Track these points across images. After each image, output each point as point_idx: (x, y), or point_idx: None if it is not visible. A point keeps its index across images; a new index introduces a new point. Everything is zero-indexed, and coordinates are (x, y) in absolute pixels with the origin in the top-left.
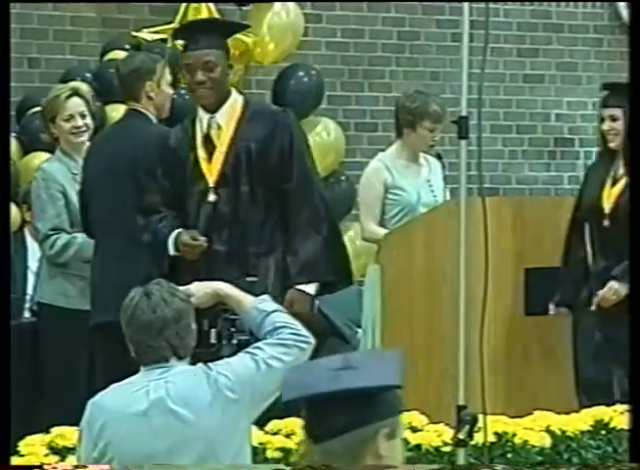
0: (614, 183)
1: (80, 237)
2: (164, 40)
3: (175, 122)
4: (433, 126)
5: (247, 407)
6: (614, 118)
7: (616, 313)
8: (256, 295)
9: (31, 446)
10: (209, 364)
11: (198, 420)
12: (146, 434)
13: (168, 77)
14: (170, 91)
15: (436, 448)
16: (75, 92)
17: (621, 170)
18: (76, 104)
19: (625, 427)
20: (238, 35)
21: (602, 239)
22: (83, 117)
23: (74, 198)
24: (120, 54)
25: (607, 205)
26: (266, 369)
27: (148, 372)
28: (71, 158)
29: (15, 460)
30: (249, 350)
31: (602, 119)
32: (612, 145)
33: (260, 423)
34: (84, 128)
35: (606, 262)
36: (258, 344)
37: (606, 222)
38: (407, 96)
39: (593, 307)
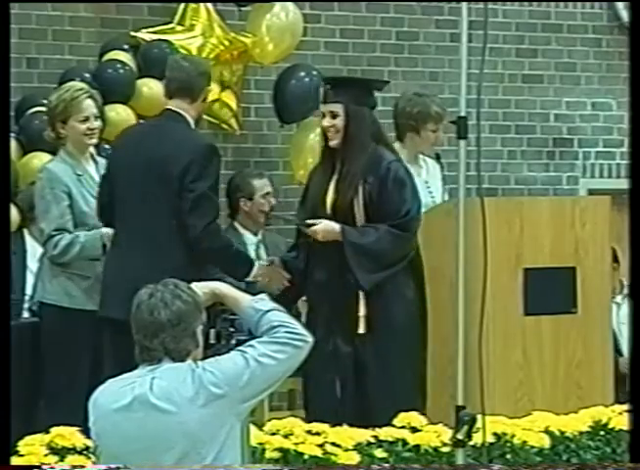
0: (337, 182)
1: (83, 236)
2: (163, 41)
3: None
4: (436, 127)
5: (234, 403)
6: (334, 115)
7: None
8: (254, 294)
9: (31, 446)
10: (198, 362)
11: (178, 413)
12: (128, 428)
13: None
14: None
15: (435, 449)
16: (90, 94)
17: (343, 168)
18: (91, 105)
19: (624, 428)
20: (237, 36)
21: None
22: (96, 118)
23: (79, 198)
24: (119, 54)
25: (329, 204)
26: (256, 366)
27: (141, 368)
28: (76, 159)
29: (14, 460)
30: (241, 347)
31: (323, 116)
32: (332, 143)
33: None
34: (97, 131)
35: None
36: (251, 342)
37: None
38: (406, 100)
39: None
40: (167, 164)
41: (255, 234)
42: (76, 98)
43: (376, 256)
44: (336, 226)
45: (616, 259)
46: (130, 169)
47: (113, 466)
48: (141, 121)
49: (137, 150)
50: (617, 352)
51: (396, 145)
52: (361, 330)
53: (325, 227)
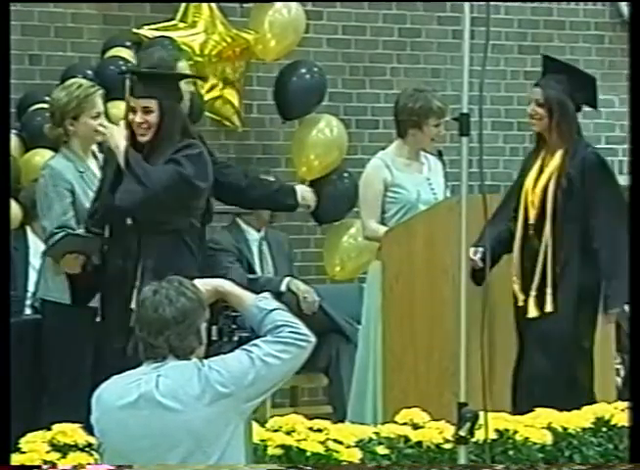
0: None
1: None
2: (166, 37)
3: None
4: (438, 122)
5: (239, 402)
6: (147, 110)
7: None
8: (257, 292)
9: (32, 444)
10: (204, 360)
11: (184, 411)
12: (134, 426)
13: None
14: (189, 88)
15: (438, 446)
16: (101, 91)
17: (149, 163)
18: (101, 102)
19: (627, 424)
20: (239, 32)
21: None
22: (104, 115)
23: (81, 195)
24: (122, 51)
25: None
26: (262, 366)
27: (145, 366)
28: (78, 155)
29: (16, 457)
30: (245, 347)
31: (132, 110)
32: (142, 139)
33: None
34: (104, 127)
35: None
36: (256, 341)
37: (129, 221)
38: (408, 96)
39: None
40: None
41: (259, 231)
42: (90, 95)
43: (141, 184)
44: (121, 145)
45: None
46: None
47: (113, 466)
48: None
49: None
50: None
51: (398, 142)
52: None
53: (116, 133)
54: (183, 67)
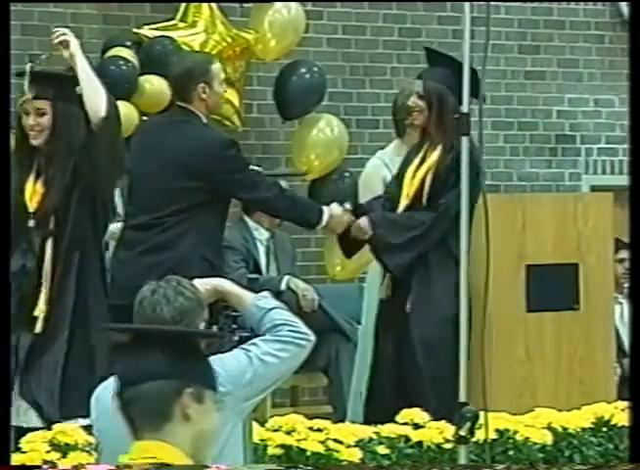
0: (44, 183)
1: None
2: (166, 37)
3: None
4: None
5: (237, 401)
6: (40, 112)
7: None
8: (257, 292)
9: (33, 443)
10: None
11: None
12: None
13: (221, 76)
14: (222, 89)
15: (438, 445)
16: None
17: (49, 170)
18: None
19: (626, 424)
20: (239, 32)
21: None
22: None
23: None
24: (122, 51)
25: (33, 204)
26: (260, 365)
27: None
28: None
29: (16, 457)
30: (244, 346)
31: (26, 112)
32: (35, 142)
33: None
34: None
35: None
36: (254, 340)
37: (31, 222)
38: (405, 96)
39: None
40: (185, 163)
41: (268, 230)
42: None
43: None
44: (77, 54)
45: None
46: (148, 167)
47: (113, 466)
48: (146, 118)
49: (155, 146)
50: (623, 352)
51: (397, 141)
52: None
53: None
54: (216, 69)
